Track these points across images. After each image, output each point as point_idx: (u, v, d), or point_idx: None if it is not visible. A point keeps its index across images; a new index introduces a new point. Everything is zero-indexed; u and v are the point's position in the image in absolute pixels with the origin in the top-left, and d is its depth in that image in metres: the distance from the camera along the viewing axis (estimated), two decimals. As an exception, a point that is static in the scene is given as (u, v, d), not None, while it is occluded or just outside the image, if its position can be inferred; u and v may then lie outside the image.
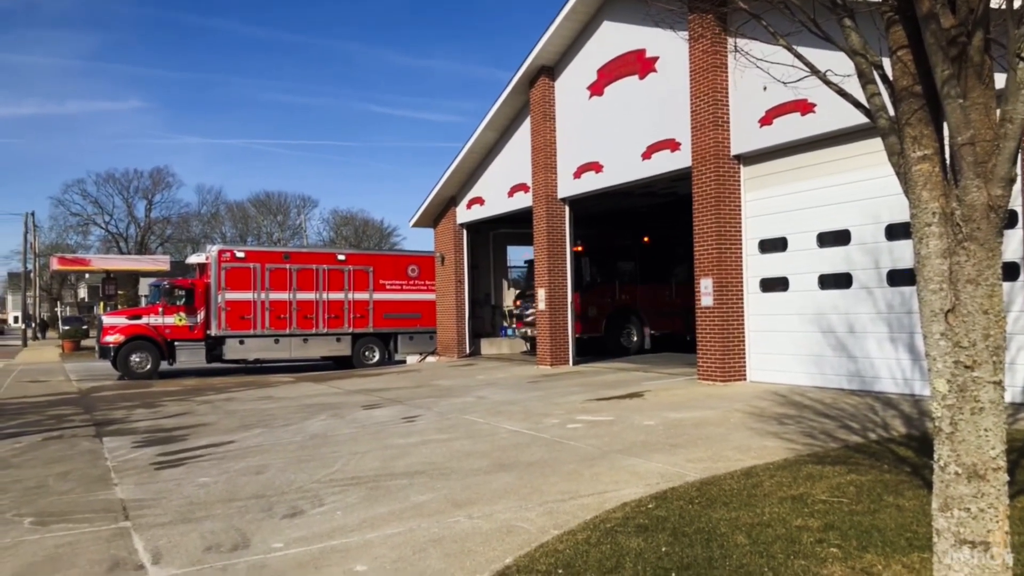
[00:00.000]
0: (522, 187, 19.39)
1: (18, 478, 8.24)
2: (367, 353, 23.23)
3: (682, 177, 14.24)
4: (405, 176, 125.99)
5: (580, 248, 20.15)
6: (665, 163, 14.50)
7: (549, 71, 17.83)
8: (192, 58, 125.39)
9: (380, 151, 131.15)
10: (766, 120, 12.29)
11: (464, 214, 22.65)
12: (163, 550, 5.42)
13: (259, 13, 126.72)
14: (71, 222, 70.71)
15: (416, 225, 24.53)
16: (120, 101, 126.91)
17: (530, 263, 22.54)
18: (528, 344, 22.98)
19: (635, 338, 20.90)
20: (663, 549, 4.75)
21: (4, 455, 9.78)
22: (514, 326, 22.60)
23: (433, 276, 24.11)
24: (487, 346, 23.54)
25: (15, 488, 7.74)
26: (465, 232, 23.10)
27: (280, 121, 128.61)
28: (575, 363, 18.01)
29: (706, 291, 13.26)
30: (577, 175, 17.17)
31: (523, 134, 19.19)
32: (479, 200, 21.80)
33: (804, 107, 11.48)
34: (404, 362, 23.52)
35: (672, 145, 14.25)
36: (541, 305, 18.12)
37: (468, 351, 23.16)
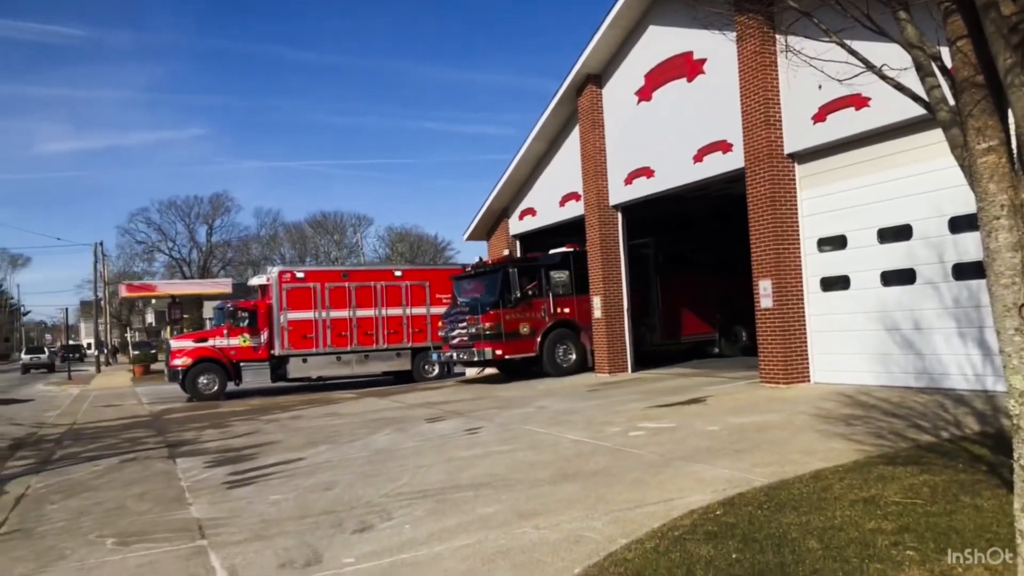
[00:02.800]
0: (573, 196, 19.40)
1: (99, 500, 8.55)
2: (427, 367, 23.42)
3: (735, 178, 14.08)
4: (458, 191, 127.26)
5: (506, 258, 19.20)
6: (717, 165, 14.35)
7: (596, 79, 17.83)
8: (249, 85, 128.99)
9: (433, 167, 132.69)
10: (819, 117, 12.08)
11: (516, 225, 22.74)
12: (239, 568, 5.56)
13: (311, 38, 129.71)
14: (137, 250, 73.34)
15: (470, 239, 24.74)
16: (181, 130, 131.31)
17: (457, 277, 21.04)
18: (468, 369, 20.96)
19: (573, 356, 18.94)
20: (733, 556, 4.70)
21: (84, 478, 10.16)
22: (440, 350, 20.58)
23: (488, 288, 24.17)
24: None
25: (96, 510, 8.03)
26: (518, 243, 23.17)
27: (334, 141, 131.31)
28: (634, 370, 17.89)
29: (765, 293, 13.06)
30: (628, 181, 17.11)
31: (572, 143, 19.21)
32: (531, 211, 21.86)
33: (858, 102, 11.26)
34: (463, 375, 23.65)
35: (724, 146, 14.10)
36: (597, 313, 18.06)
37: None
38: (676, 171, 15.43)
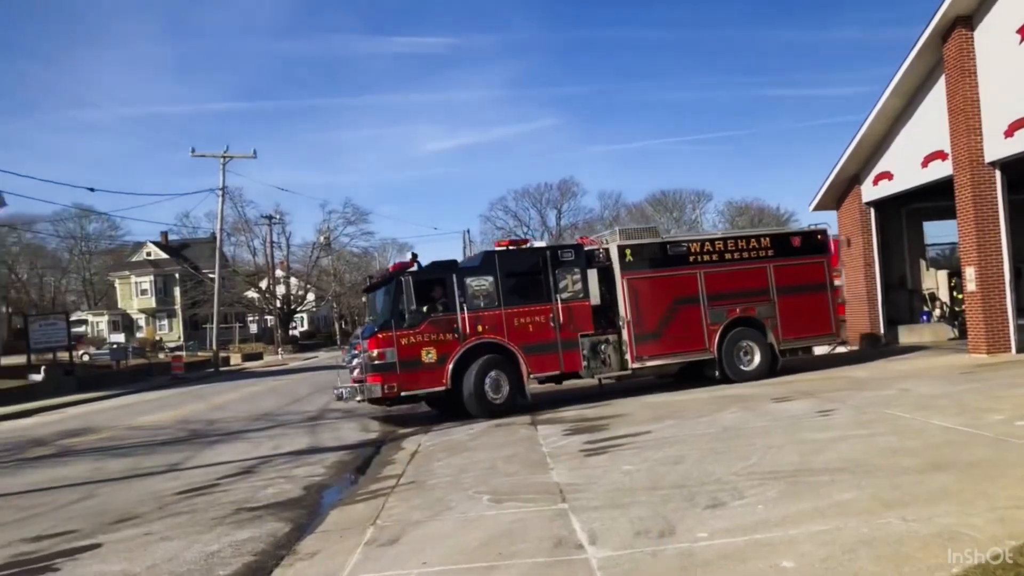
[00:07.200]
0: (938, 155, 17.35)
1: (475, 460, 9.68)
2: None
3: None
4: (801, 158, 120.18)
5: (406, 264, 14.43)
6: None
7: (965, 20, 15.72)
8: (595, 71, 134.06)
9: (773, 135, 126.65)
10: None
11: (870, 192, 20.95)
12: (598, 532, 5.96)
13: (651, 15, 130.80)
14: (496, 235, 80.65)
15: (816, 209, 23.32)
16: (536, 122, 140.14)
17: (366, 289, 16.34)
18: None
19: (505, 387, 13.93)
20: None
21: (463, 439, 11.56)
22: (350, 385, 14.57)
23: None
24: (905, 334, 21.42)
25: (473, 468, 9.11)
26: (872, 211, 21.37)
27: (674, 119, 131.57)
28: (1019, 350, 15.62)
29: None
30: (1009, 133, 14.88)
31: (935, 96, 17.17)
32: (887, 175, 19.98)
33: None
34: (810, 352, 22.46)
35: None
36: (971, 286, 16.04)
37: (883, 340, 21.36)
38: (1074, 117, 13.11)
